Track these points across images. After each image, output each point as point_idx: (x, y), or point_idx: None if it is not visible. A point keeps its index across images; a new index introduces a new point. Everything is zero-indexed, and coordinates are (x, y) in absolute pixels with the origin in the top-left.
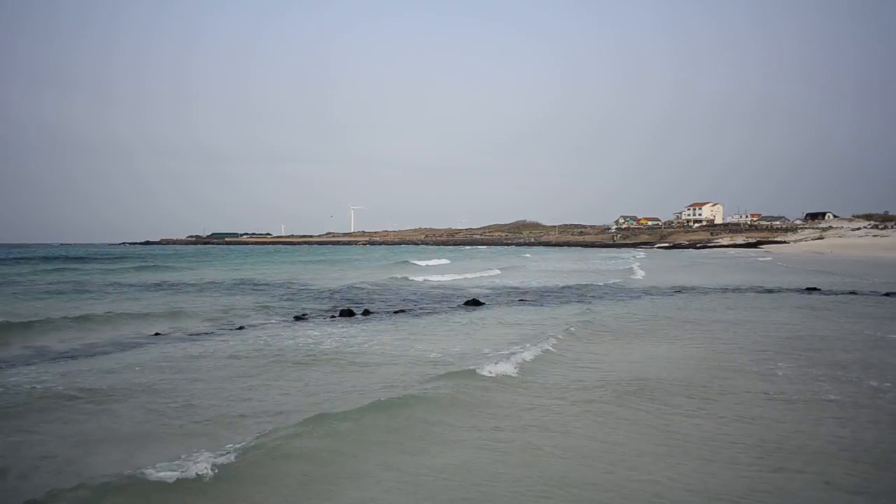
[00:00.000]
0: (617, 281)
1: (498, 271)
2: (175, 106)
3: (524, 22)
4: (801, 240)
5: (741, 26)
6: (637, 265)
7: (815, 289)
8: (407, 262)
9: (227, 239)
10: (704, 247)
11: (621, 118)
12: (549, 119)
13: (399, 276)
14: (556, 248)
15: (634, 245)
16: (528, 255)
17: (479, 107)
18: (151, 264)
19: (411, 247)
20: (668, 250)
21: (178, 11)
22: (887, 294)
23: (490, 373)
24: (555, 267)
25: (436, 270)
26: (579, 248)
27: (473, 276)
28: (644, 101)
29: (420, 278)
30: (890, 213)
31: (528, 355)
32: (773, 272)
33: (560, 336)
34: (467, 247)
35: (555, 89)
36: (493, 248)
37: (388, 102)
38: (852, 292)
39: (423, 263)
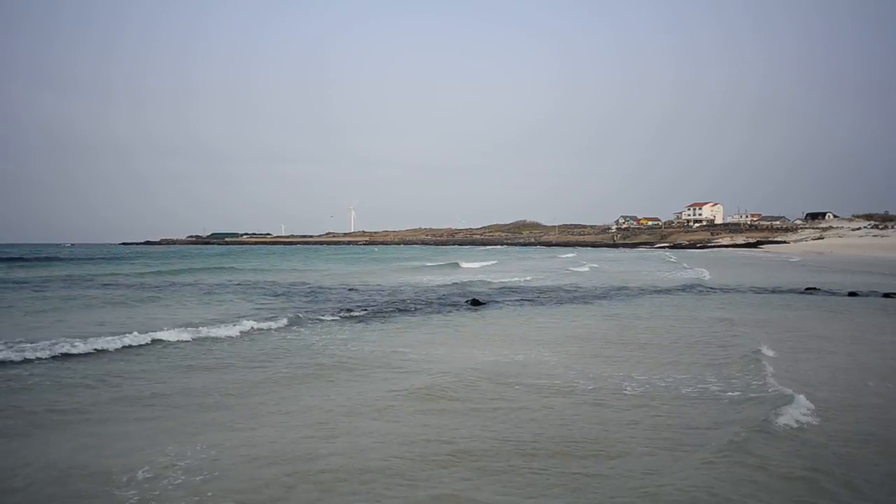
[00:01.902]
0: (697, 278)
1: (588, 269)
2: (175, 106)
3: (524, 22)
4: (801, 240)
5: (741, 26)
6: (685, 264)
7: (813, 288)
8: (457, 263)
9: (227, 239)
10: (704, 247)
11: (621, 118)
12: (549, 119)
13: (482, 279)
14: (575, 248)
15: (634, 245)
16: (568, 255)
17: (479, 107)
18: (218, 265)
19: (448, 248)
20: (678, 250)
21: (178, 11)
22: None
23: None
24: (620, 268)
25: (505, 271)
26: (582, 248)
27: (544, 275)
28: (644, 101)
29: (514, 280)
30: (890, 213)
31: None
32: (821, 271)
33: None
34: (481, 247)
35: (555, 89)
36: (512, 248)
37: (388, 102)
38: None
39: (476, 265)
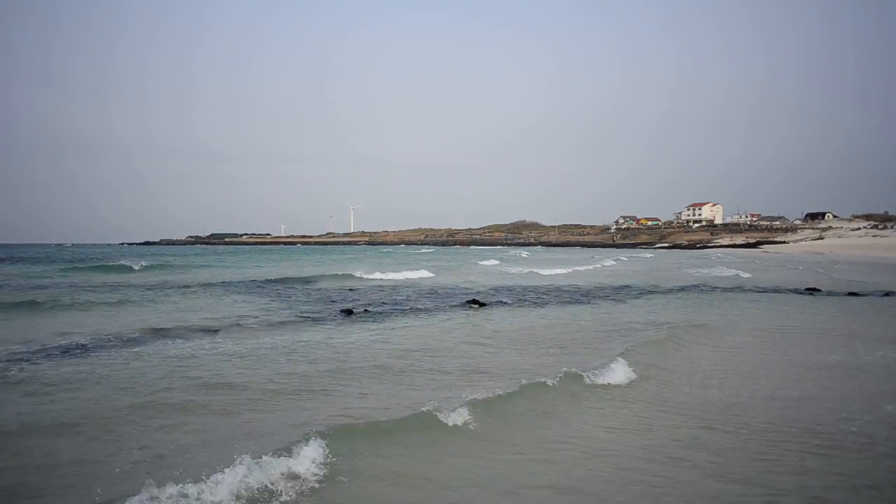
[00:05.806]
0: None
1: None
2: (175, 106)
3: (524, 22)
4: (800, 240)
5: (741, 26)
6: (800, 266)
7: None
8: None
9: (226, 239)
10: (704, 247)
11: (621, 118)
12: (549, 119)
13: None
14: (588, 248)
15: (634, 245)
16: (647, 255)
17: (479, 107)
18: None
19: (490, 248)
20: (685, 250)
21: (178, 11)
22: None
23: None
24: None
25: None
26: (582, 248)
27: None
28: (644, 101)
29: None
30: (890, 214)
31: None
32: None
33: None
34: (500, 247)
35: (555, 89)
36: (531, 248)
37: (389, 102)
38: None
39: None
